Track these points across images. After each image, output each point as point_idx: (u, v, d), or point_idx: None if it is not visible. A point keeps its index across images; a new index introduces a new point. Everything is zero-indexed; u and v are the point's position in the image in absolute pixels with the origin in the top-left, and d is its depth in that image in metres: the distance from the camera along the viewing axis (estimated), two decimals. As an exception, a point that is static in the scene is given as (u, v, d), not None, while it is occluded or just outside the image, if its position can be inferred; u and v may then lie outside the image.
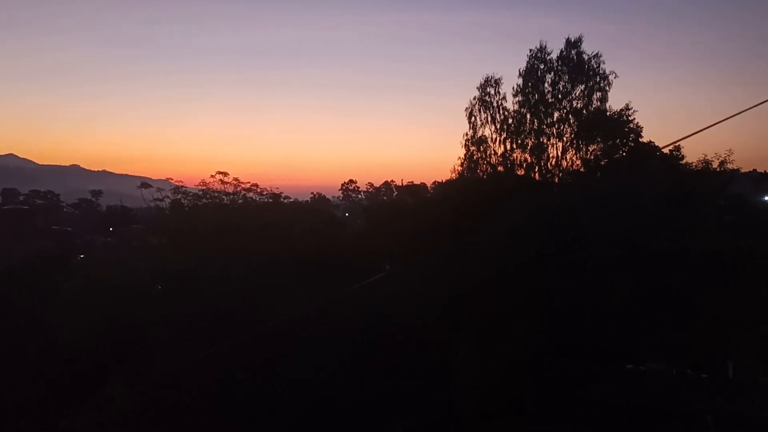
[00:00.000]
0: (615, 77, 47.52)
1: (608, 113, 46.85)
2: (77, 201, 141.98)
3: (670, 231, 27.74)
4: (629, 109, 46.00)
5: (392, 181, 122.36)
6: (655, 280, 26.40)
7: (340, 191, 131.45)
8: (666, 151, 43.42)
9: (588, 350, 24.97)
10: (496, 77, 49.95)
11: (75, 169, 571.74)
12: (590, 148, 46.54)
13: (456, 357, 23.55)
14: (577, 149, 47.04)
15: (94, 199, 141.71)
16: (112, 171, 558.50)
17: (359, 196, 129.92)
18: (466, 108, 50.56)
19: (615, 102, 47.37)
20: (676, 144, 42.86)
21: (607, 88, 47.36)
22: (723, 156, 38.54)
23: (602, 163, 45.27)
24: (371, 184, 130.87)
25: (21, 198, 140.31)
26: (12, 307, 24.65)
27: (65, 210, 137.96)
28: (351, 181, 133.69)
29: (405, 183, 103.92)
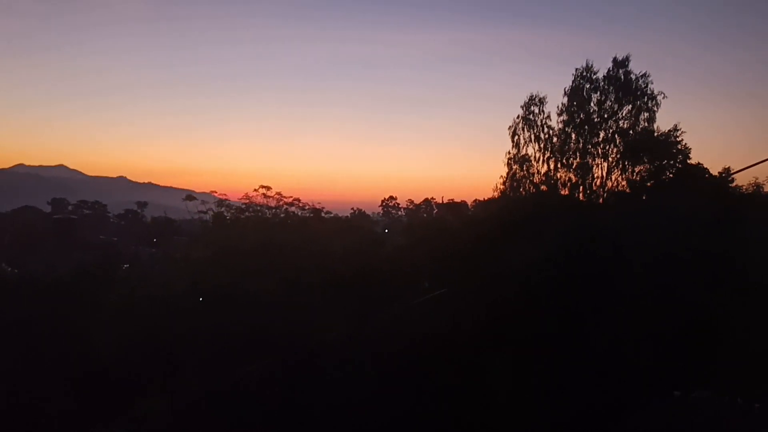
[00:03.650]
0: (663, 98, 46.61)
1: (656, 134, 45.92)
2: (123, 212, 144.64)
3: (718, 255, 26.89)
4: (677, 130, 45.06)
5: (433, 198, 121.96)
6: (701, 305, 25.58)
7: (380, 207, 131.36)
8: (715, 173, 42.49)
9: (631, 376, 24.23)
10: (541, 96, 49.52)
11: (122, 180, 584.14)
12: (636, 169, 45.69)
13: (492, 380, 23.09)
14: (623, 170, 46.17)
15: (139, 211, 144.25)
16: (157, 183, 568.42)
17: (399, 212, 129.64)
18: (510, 126, 50.15)
19: (663, 123, 46.45)
20: (727, 167, 42.06)
21: (655, 109, 46.42)
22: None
23: (648, 184, 44.38)
24: (411, 201, 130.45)
25: (70, 208, 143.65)
26: (56, 317, 25.11)
27: (111, 220, 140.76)
28: (391, 197, 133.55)
29: (445, 200, 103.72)
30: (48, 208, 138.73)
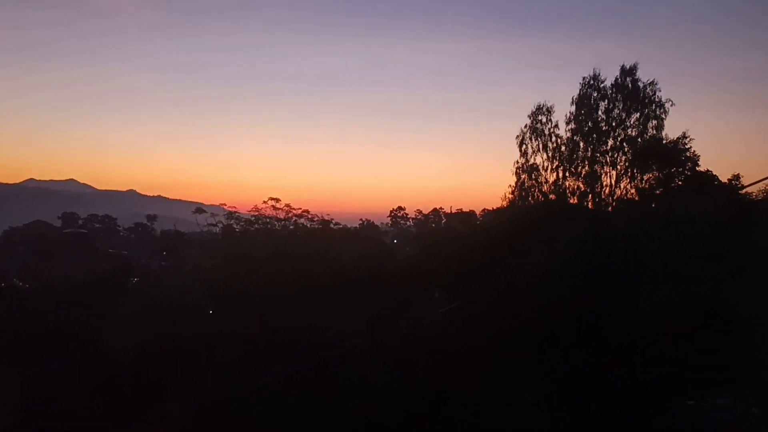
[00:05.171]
0: (671, 105, 46.87)
1: (664, 141, 46.08)
2: (133, 225, 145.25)
3: (734, 255, 26.83)
4: (686, 138, 45.17)
5: (441, 208, 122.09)
6: (719, 308, 25.49)
7: (389, 218, 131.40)
8: (724, 179, 42.49)
9: (646, 383, 24.18)
10: (548, 105, 49.82)
11: (131, 194, 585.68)
12: (645, 177, 45.79)
13: (508, 386, 23.15)
14: (632, 178, 46.33)
15: (149, 224, 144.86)
16: (166, 196, 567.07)
17: (408, 223, 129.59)
18: (517, 136, 50.51)
19: (672, 130, 46.63)
20: (737, 174, 42.13)
21: (663, 116, 46.76)
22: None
23: (657, 192, 44.45)
24: (420, 211, 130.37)
25: (80, 222, 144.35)
26: (72, 324, 25.45)
27: (121, 234, 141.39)
28: (400, 207, 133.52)
29: (454, 210, 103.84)
30: (59, 222, 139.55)
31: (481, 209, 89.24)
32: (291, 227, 58.95)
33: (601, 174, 47.20)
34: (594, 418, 22.26)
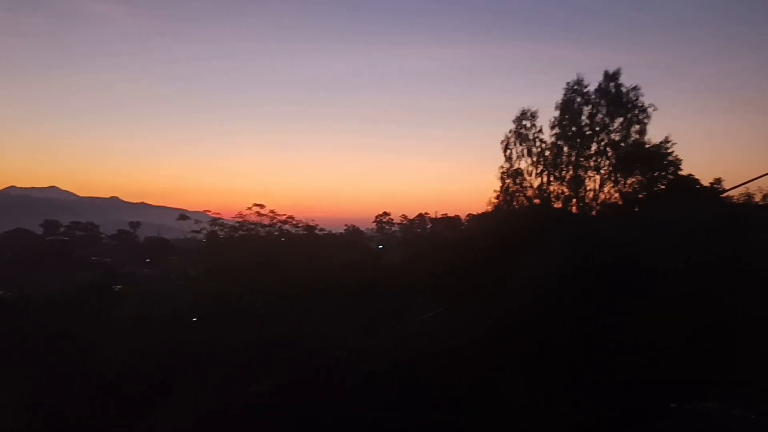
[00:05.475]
0: (654, 110, 47.28)
1: (647, 146, 46.50)
2: (116, 232, 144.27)
3: (720, 261, 27.06)
4: (668, 142, 45.63)
5: (426, 213, 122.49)
6: (711, 312, 25.65)
7: (374, 223, 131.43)
8: (706, 183, 43.00)
9: (639, 387, 24.22)
10: (532, 110, 50.12)
11: (114, 201, 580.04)
12: (628, 181, 46.19)
13: (504, 393, 23.13)
14: (615, 182, 46.69)
15: (132, 231, 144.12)
16: (150, 203, 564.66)
17: (393, 228, 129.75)
18: (502, 141, 50.68)
19: (655, 134, 47.05)
20: (718, 178, 42.63)
21: (646, 121, 47.09)
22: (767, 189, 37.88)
23: (641, 195, 44.85)
24: (405, 216, 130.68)
25: (62, 229, 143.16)
26: (58, 333, 25.25)
27: (104, 241, 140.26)
28: (385, 213, 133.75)
29: (439, 215, 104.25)
30: (40, 230, 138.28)
31: (466, 214, 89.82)
32: (276, 233, 58.78)
33: (585, 178, 47.52)
34: (591, 422, 22.29)
